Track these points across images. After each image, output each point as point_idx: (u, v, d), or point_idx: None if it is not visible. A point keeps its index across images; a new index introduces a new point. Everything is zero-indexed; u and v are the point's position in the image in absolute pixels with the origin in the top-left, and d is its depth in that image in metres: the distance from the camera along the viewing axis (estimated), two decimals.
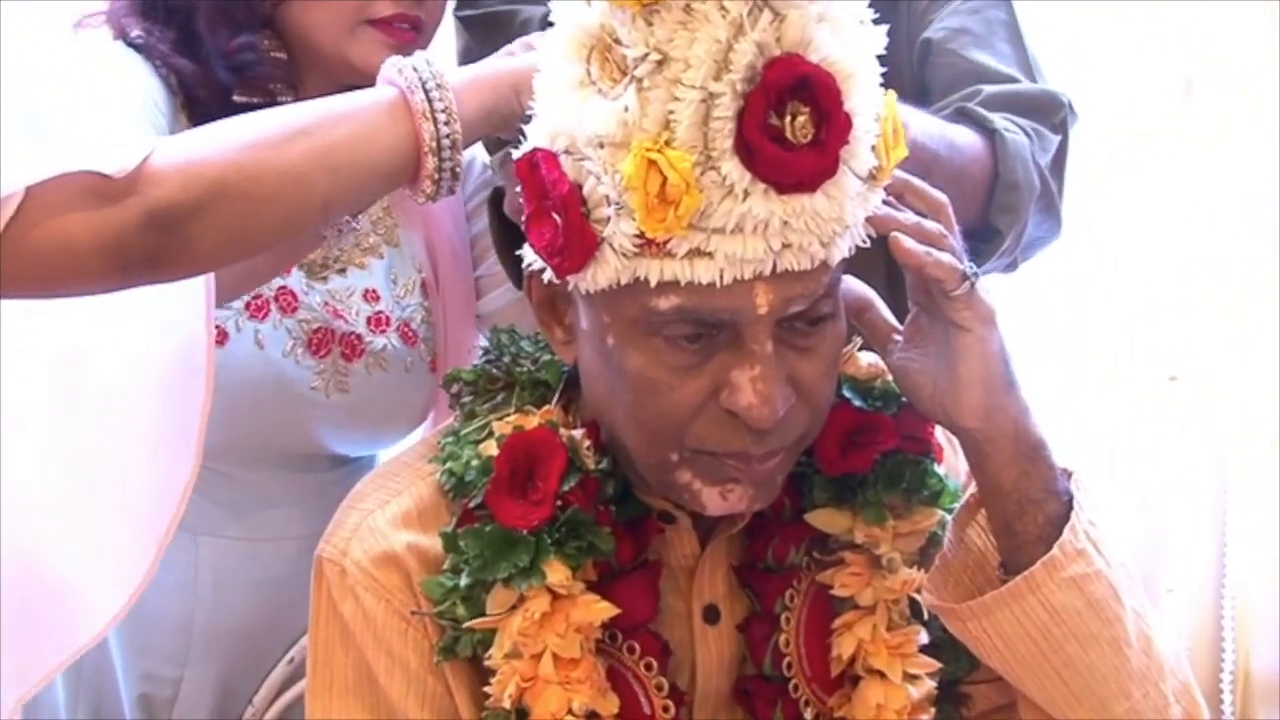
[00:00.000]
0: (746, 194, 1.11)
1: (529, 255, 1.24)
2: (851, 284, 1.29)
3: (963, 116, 1.60)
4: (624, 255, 1.15)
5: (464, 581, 1.26)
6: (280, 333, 1.69)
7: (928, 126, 1.49)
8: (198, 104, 1.61)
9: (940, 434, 1.37)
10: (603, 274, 1.16)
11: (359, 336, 1.72)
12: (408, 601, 1.29)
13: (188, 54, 1.61)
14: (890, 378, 1.33)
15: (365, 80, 1.37)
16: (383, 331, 1.75)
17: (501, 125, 1.33)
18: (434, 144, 1.27)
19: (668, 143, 1.11)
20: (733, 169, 1.11)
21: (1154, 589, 2.53)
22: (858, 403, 1.34)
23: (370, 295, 1.75)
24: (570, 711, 1.25)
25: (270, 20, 1.63)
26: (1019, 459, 1.24)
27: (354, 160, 1.26)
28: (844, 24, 1.13)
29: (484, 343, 1.43)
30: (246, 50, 1.60)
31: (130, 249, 1.20)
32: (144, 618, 1.69)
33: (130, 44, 1.62)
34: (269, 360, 1.68)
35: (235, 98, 1.60)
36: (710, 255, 1.13)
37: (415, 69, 1.30)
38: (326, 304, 1.72)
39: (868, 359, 1.36)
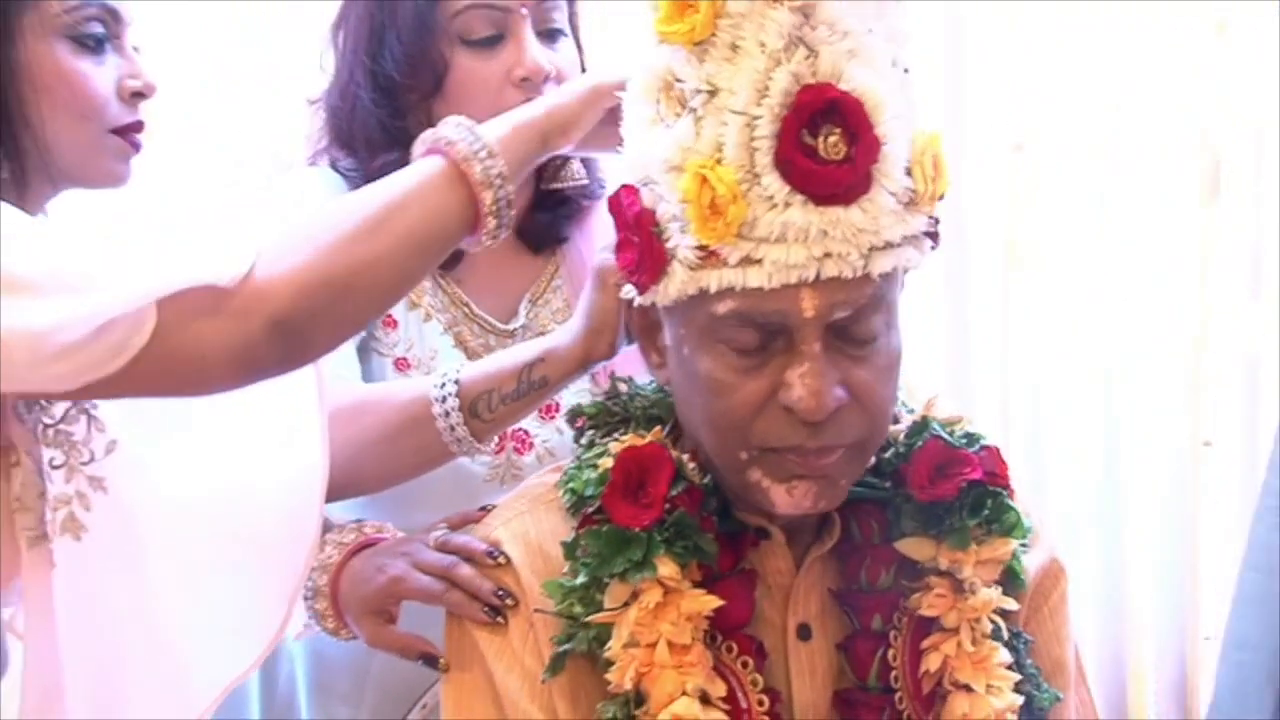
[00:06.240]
0: (787, 204, 1.27)
1: (625, 287, 1.41)
2: None
3: None
4: (689, 268, 1.31)
5: (581, 580, 1.38)
6: None
7: None
8: None
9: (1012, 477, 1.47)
10: (673, 286, 1.32)
11: (526, 431, 1.77)
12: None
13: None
14: (970, 424, 1.46)
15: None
16: (550, 418, 1.78)
17: (533, 168, 1.48)
18: (494, 207, 1.40)
19: (718, 162, 1.28)
20: (773, 181, 1.27)
21: None
22: (946, 439, 1.45)
23: None
24: (684, 693, 1.34)
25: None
26: None
27: (431, 235, 1.38)
28: (876, 61, 1.29)
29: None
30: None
31: (260, 358, 1.31)
32: (324, 655, 1.80)
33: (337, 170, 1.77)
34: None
35: None
36: (759, 262, 1.29)
37: (458, 140, 1.39)
38: None
39: (947, 407, 1.48)
